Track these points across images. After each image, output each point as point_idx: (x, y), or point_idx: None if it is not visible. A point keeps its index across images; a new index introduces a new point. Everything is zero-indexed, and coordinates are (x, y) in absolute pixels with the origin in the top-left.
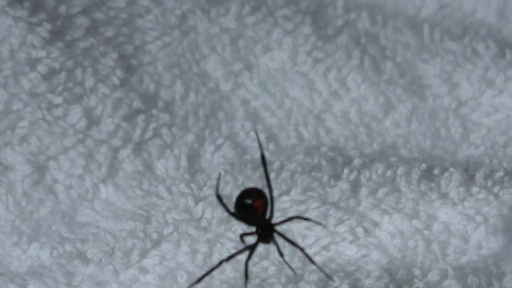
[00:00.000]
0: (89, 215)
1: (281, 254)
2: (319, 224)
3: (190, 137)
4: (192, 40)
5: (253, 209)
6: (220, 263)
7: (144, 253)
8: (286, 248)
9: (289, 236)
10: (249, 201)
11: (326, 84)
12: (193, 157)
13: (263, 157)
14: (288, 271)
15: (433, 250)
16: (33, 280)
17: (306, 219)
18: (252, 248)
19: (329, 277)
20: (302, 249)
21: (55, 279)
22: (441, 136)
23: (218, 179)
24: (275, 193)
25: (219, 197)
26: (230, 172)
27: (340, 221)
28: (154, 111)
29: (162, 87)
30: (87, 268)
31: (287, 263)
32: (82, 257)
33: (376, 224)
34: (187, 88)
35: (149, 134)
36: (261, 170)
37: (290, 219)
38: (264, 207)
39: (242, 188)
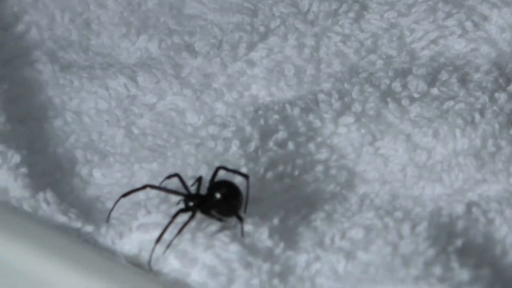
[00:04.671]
0: (196, 7)
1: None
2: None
3: None
4: None
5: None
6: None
7: (251, 46)
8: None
9: (397, 30)
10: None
11: None
12: None
13: None
14: (396, 65)
15: None
16: (142, 71)
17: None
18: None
19: None
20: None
21: (164, 70)
22: None
23: None
24: None
25: None
26: None
27: (449, 15)
28: None
29: None
30: (195, 60)
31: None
32: (190, 49)
33: (485, 18)
34: None
35: None
36: None
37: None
38: None
39: None
